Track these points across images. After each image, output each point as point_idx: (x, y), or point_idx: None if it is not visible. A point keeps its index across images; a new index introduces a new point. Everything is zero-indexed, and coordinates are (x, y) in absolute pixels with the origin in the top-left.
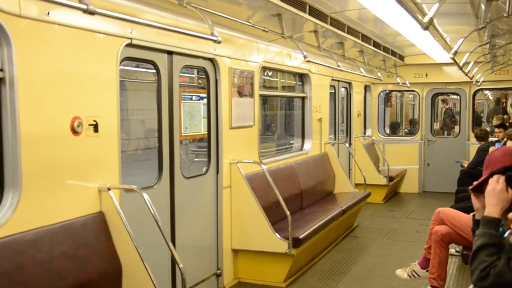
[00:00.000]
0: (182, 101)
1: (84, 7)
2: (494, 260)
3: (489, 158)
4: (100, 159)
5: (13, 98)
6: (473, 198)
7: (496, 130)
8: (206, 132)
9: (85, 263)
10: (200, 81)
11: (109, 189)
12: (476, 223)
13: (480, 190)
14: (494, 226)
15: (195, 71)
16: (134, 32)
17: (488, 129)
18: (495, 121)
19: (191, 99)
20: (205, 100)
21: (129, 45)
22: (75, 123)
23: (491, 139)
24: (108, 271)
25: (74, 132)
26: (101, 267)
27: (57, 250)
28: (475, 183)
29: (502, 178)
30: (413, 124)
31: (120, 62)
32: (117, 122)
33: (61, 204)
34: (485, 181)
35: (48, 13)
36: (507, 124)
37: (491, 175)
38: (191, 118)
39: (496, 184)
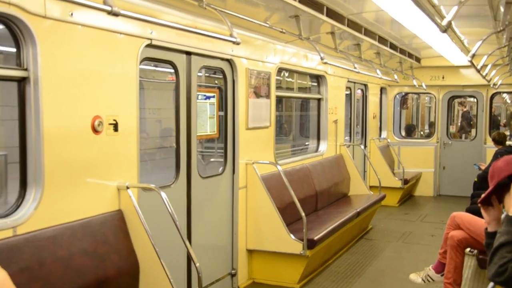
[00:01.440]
0: None
1: (109, 8)
2: None
3: (492, 169)
4: (119, 158)
5: (37, 97)
6: (483, 211)
7: None
8: (213, 133)
9: (103, 260)
10: (216, 81)
11: (128, 187)
12: (489, 236)
13: (488, 202)
14: None
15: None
16: (154, 32)
17: (508, 133)
18: None
19: (197, 98)
20: (211, 100)
21: (149, 45)
22: (96, 122)
23: (508, 143)
24: (125, 268)
25: (95, 131)
26: (119, 264)
27: (77, 247)
28: (482, 195)
29: None
30: (432, 127)
31: (140, 62)
32: (136, 122)
33: (81, 202)
34: (493, 193)
35: (72, 14)
36: None
37: (497, 186)
38: (197, 118)
39: None
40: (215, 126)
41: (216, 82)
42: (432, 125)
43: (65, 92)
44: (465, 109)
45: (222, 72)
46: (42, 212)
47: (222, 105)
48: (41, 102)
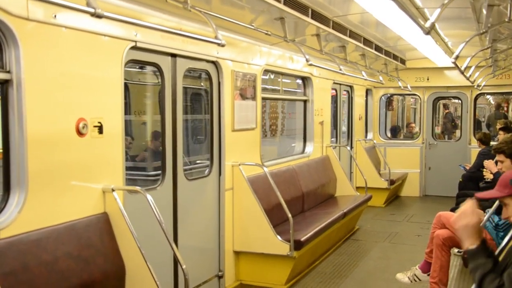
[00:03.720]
0: None
1: (92, 10)
2: (498, 282)
3: (510, 177)
4: (104, 160)
5: (20, 100)
6: (469, 202)
7: (500, 132)
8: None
9: (89, 263)
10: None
11: (113, 190)
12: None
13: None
14: (481, 254)
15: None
16: (138, 35)
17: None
18: (499, 125)
19: None
20: None
21: (134, 47)
22: (80, 125)
23: (492, 143)
24: (111, 271)
25: (79, 133)
26: (105, 267)
27: (61, 250)
28: (487, 194)
29: (471, 209)
30: (408, 127)
31: (125, 65)
32: (121, 124)
33: (66, 205)
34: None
35: (55, 16)
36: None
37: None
38: None
39: (466, 219)
40: None
41: None
42: (408, 125)
43: (49, 94)
44: (447, 111)
45: (208, 74)
46: (26, 216)
47: (208, 106)
48: (25, 104)
